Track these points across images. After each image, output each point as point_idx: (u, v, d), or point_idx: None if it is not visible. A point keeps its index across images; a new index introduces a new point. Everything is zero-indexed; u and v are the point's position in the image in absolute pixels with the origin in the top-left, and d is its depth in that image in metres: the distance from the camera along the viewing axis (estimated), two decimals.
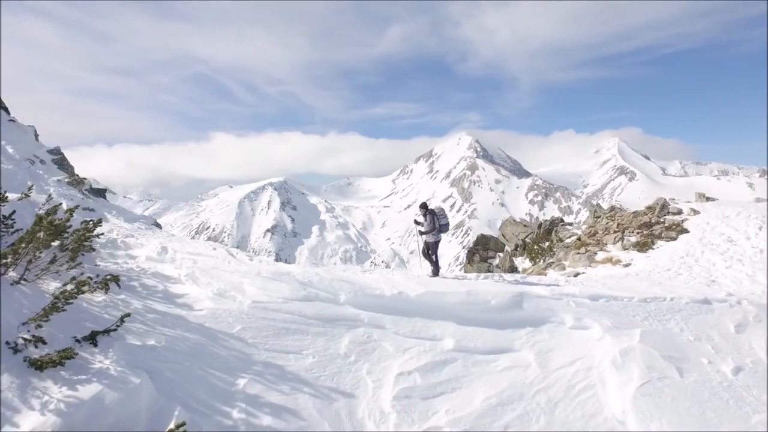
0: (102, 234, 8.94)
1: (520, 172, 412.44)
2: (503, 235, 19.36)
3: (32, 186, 8.95)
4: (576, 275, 11.70)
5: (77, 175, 15.90)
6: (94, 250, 8.40)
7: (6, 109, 13.58)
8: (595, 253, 12.86)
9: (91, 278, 7.10)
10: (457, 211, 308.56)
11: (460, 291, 7.65)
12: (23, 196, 8.73)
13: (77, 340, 6.16)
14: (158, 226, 11.41)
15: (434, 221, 9.38)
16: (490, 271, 18.63)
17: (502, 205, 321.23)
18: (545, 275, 12.60)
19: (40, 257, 6.97)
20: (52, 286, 7.08)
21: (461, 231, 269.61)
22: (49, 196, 8.60)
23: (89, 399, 5.42)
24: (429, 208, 9.65)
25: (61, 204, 8.92)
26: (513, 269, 17.25)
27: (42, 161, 11.13)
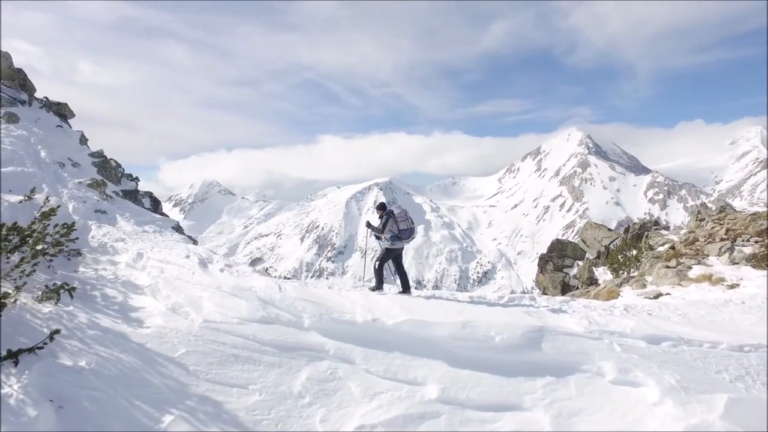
0: (93, 237, 8.59)
1: (638, 169, 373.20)
2: (583, 240, 16.38)
3: (34, 189, 8.89)
4: (657, 296, 8.95)
5: (127, 176, 16.53)
6: (80, 254, 8.01)
7: (63, 115, 14.46)
8: (690, 268, 9.85)
9: (53, 287, 6.60)
10: (567, 211, 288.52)
11: (453, 321, 5.84)
12: (26, 198, 8.67)
13: (3, 357, 5.55)
14: (177, 228, 11.03)
15: (388, 225, 7.59)
16: (566, 283, 15.84)
17: (617, 204, 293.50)
18: (618, 294, 9.93)
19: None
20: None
21: (572, 232, 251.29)
22: (47, 198, 8.42)
23: None
24: (387, 209, 7.90)
25: (59, 206, 8.76)
26: (592, 281, 14.39)
27: (76, 164, 11.44)
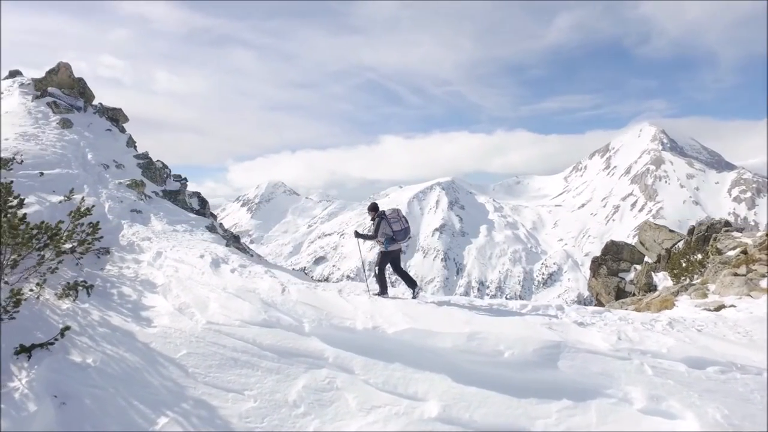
0: (123, 236, 8.88)
1: (721, 165, 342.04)
2: (641, 243, 14.89)
3: (72, 189, 9.33)
4: (718, 308, 7.79)
5: (175, 176, 17.20)
6: (108, 252, 8.29)
7: (116, 120, 15.30)
8: (764, 276, 8.49)
9: (72, 284, 6.84)
10: (639, 211, 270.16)
11: (459, 332, 5.31)
12: (65, 198, 9.12)
13: (16, 352, 5.76)
14: (211, 228, 11.23)
15: (381, 227, 7.09)
16: (621, 289, 14.51)
17: (696, 203, 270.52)
18: (672, 304, 8.80)
19: (23, 259, 6.92)
20: (46, 291, 6.98)
21: None
22: (82, 198, 8.81)
23: None
24: (379, 210, 7.41)
25: (93, 206, 9.14)
26: (651, 288, 13.03)
27: (120, 166, 12.02)
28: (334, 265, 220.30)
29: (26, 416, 5.07)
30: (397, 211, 7.20)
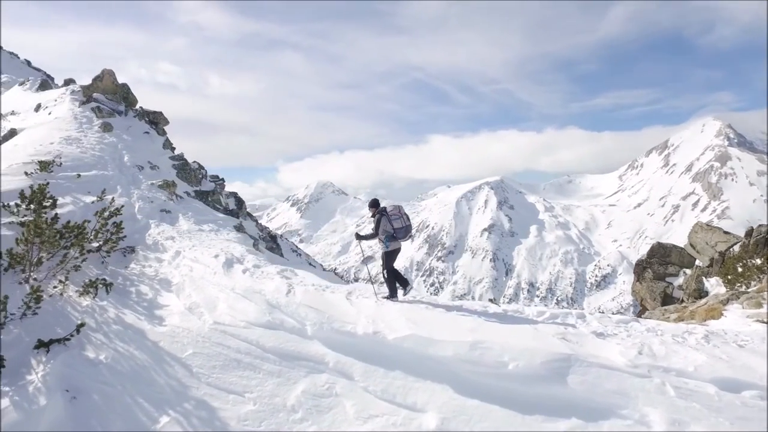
0: (150, 235, 9.15)
1: None
2: (692, 245, 13.70)
3: (104, 190, 9.73)
4: None
5: (212, 177, 17.67)
6: (134, 251, 8.56)
7: (155, 123, 15.93)
8: None
9: (92, 282, 7.09)
10: (702, 210, 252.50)
11: (461, 341, 4.99)
12: (98, 199, 9.53)
13: (35, 346, 6.01)
14: (239, 228, 11.42)
15: (381, 225, 6.81)
16: (668, 294, 13.45)
17: None
18: (720, 314, 7.98)
19: (51, 257, 7.24)
20: (70, 288, 7.27)
21: None
22: (112, 198, 9.17)
23: None
24: (380, 207, 7.10)
25: (122, 206, 9.49)
26: (701, 294, 11.99)
27: (154, 167, 12.47)
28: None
29: (36, 409, 5.27)
30: (398, 208, 6.95)
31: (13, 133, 13.14)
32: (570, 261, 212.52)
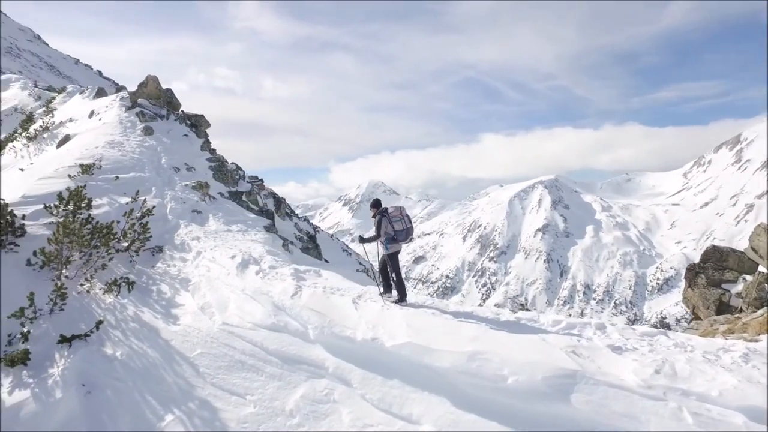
0: (178, 235, 9.46)
1: None
2: (754, 249, 12.39)
3: (138, 192, 10.18)
4: None
5: (252, 177, 18.11)
6: (161, 250, 8.88)
7: (196, 126, 16.54)
8: None
9: (115, 281, 7.41)
10: None
11: (459, 351, 4.71)
12: (132, 200, 9.98)
13: (58, 341, 6.34)
14: (269, 228, 11.61)
15: (382, 226, 6.63)
16: (724, 302, 12.27)
17: None
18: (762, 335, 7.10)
19: (83, 257, 7.64)
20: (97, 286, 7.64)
21: None
22: (144, 200, 9.58)
23: (9, 408, 5.42)
24: (381, 208, 6.88)
25: (154, 206, 9.88)
26: (763, 303, 10.83)
27: (190, 168, 12.93)
28: (433, 265, 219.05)
29: (52, 402, 5.54)
30: (399, 209, 6.83)
31: (67, 138, 14.11)
32: (629, 263, 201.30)
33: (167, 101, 16.57)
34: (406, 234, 6.56)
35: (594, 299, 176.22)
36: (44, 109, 20.54)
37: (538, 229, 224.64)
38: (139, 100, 15.68)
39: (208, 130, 17.48)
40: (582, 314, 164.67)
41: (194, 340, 6.36)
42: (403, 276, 6.77)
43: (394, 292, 6.48)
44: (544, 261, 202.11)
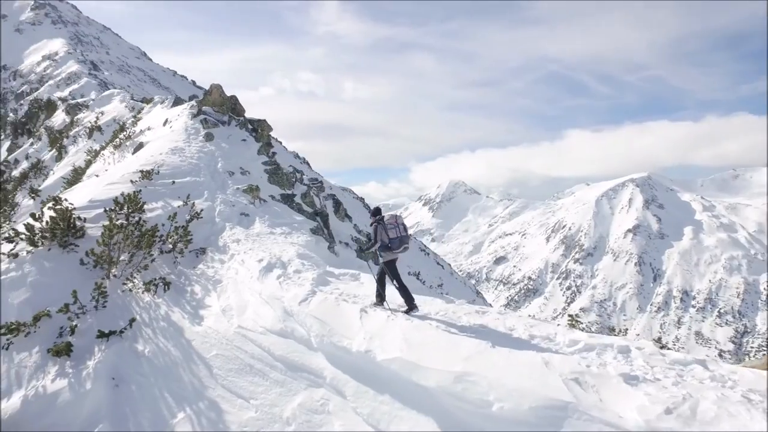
0: (222, 237, 9.95)
1: None
2: None
3: (189, 195, 10.88)
4: None
5: (312, 180, 18.59)
6: (204, 252, 9.40)
7: (255, 131, 17.32)
8: None
9: (152, 280, 7.97)
10: None
11: (446, 370, 4.38)
12: (184, 203, 10.69)
13: (97, 336, 6.94)
14: (315, 230, 11.87)
15: (378, 234, 6.53)
16: None
17: None
18: None
19: (131, 258, 8.30)
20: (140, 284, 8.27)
21: None
22: (192, 203, 10.22)
23: (49, 395, 6.08)
24: (378, 216, 6.68)
25: (202, 209, 10.49)
26: None
27: (245, 172, 13.56)
28: (515, 266, 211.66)
29: (83, 393, 6.07)
30: (395, 217, 6.69)
31: (140, 146, 15.51)
32: (736, 268, 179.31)
33: (231, 107, 17.57)
34: (400, 242, 6.44)
35: (693, 307, 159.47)
36: (132, 119, 22.79)
37: (629, 230, 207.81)
38: (204, 108, 16.79)
39: (272, 134, 18.30)
40: (679, 323, 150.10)
41: (212, 341, 6.63)
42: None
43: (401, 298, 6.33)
44: (635, 264, 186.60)
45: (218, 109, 16.98)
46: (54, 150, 29.10)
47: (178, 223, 9.33)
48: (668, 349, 6.58)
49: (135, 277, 8.03)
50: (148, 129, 18.33)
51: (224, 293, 7.58)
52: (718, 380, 4.29)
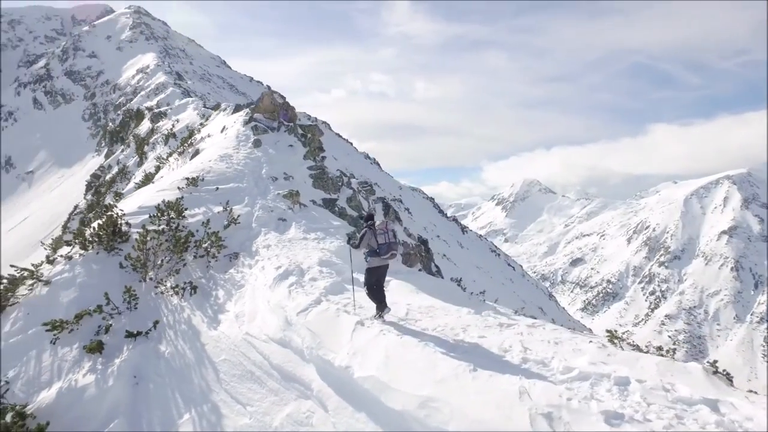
0: (255, 242, 10.39)
1: None
2: None
3: (228, 201, 11.50)
4: None
5: (362, 184, 18.83)
6: (237, 257, 9.89)
7: (305, 135, 17.85)
8: None
9: (179, 284, 8.53)
10: None
11: (414, 394, 4.21)
12: (223, 209, 11.32)
13: (125, 336, 7.56)
14: (352, 236, 12.05)
15: (366, 239, 6.60)
16: None
17: None
18: None
19: (167, 263, 8.95)
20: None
21: None
22: (230, 210, 10.79)
23: (79, 388, 6.73)
24: (369, 221, 6.79)
25: (239, 215, 11.03)
26: None
27: (288, 177, 14.00)
28: (592, 268, 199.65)
29: (105, 389, 6.64)
30: (385, 223, 6.71)
31: (197, 153, 16.65)
32: None
33: (283, 114, 18.29)
34: (387, 248, 6.44)
35: None
36: (199, 126, 24.52)
37: (723, 232, 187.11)
38: (255, 115, 17.64)
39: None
40: None
41: (222, 346, 6.96)
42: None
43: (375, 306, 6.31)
44: (732, 269, 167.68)
45: (269, 115, 17.75)
46: (137, 156, 32.18)
47: (212, 229, 9.87)
48: (626, 343, 5.95)
49: (167, 281, 8.63)
50: (208, 136, 19.61)
51: (241, 299, 7.92)
52: (722, 426, 3.74)
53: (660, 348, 6.24)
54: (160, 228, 9.78)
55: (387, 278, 9.30)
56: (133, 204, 11.37)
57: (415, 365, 4.74)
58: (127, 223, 9.80)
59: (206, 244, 9.50)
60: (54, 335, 7.47)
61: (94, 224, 9.22)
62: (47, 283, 8.46)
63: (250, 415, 5.77)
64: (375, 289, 6.48)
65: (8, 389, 6.86)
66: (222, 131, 18.51)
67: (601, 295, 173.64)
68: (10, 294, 8.36)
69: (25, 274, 8.76)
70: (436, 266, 21.42)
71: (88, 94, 70.67)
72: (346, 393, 5.06)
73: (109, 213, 9.85)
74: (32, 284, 8.45)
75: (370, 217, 6.89)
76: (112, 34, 79.55)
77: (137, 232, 9.09)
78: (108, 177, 34.61)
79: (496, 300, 13.50)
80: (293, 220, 11.93)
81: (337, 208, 14.29)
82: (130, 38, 77.17)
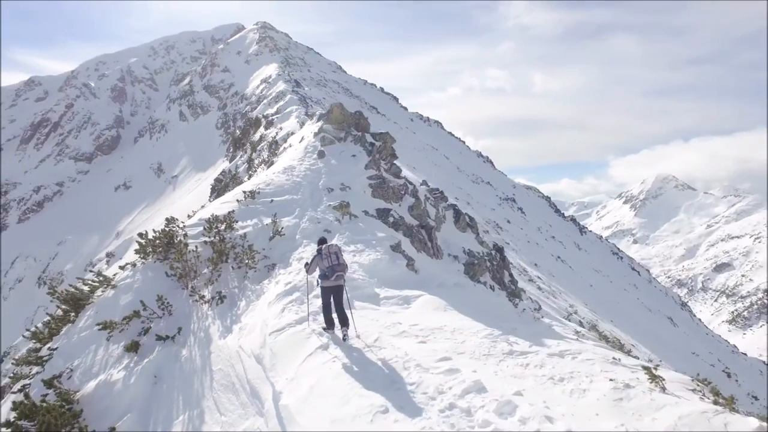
0: (293, 254, 11.15)
1: None
2: None
3: (275, 214, 12.44)
4: None
5: (432, 191, 18.75)
6: (274, 268, 10.77)
7: (372, 144, 18.30)
8: None
9: (208, 295, 9.56)
10: None
11: (310, 430, 4.32)
12: (271, 221, 12.33)
13: (156, 339, 8.76)
14: (396, 247, 12.28)
15: (314, 263, 7.65)
16: None
17: None
18: None
19: (203, 272, 10.12)
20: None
21: None
22: (275, 222, 11.73)
23: (112, 382, 8.01)
24: (321, 246, 7.73)
25: (282, 227, 11.90)
26: None
27: (344, 188, 14.42)
28: (743, 275, 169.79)
29: (128, 385, 7.80)
30: (329, 247, 7.56)
31: (272, 163, 18.12)
32: None
33: (354, 124, 19.01)
34: (332, 270, 7.20)
35: None
36: (290, 134, 26.57)
37: None
38: (324, 126, 18.60)
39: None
40: None
41: (222, 356, 7.71)
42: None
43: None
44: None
45: (337, 126, 18.60)
46: (245, 163, 35.94)
47: (249, 242, 10.84)
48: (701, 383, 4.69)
49: (203, 290, 9.75)
50: (290, 146, 21.21)
51: (253, 311, 8.64)
52: None
53: None
54: (210, 240, 11.03)
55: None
56: (204, 213, 12.88)
57: (330, 399, 4.86)
58: (184, 235, 11.24)
59: (243, 256, 10.49)
60: (109, 333, 8.93)
61: (152, 235, 10.75)
62: (114, 287, 10.13)
63: (221, 425, 6.37)
64: (325, 309, 7.12)
65: (71, 376, 8.46)
66: (300, 141, 19.89)
67: (755, 307, 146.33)
68: (89, 296, 10.20)
69: (102, 279, 10.58)
70: (510, 276, 20.35)
71: (221, 105, 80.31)
72: (284, 416, 5.36)
73: (170, 225, 11.39)
74: (104, 288, 10.19)
75: (323, 241, 7.34)
76: (241, 50, 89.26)
77: (184, 243, 10.36)
78: (225, 182, 39.19)
79: (550, 320, 12.65)
80: (337, 232, 12.45)
81: (392, 218, 14.48)
82: (256, 51, 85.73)
